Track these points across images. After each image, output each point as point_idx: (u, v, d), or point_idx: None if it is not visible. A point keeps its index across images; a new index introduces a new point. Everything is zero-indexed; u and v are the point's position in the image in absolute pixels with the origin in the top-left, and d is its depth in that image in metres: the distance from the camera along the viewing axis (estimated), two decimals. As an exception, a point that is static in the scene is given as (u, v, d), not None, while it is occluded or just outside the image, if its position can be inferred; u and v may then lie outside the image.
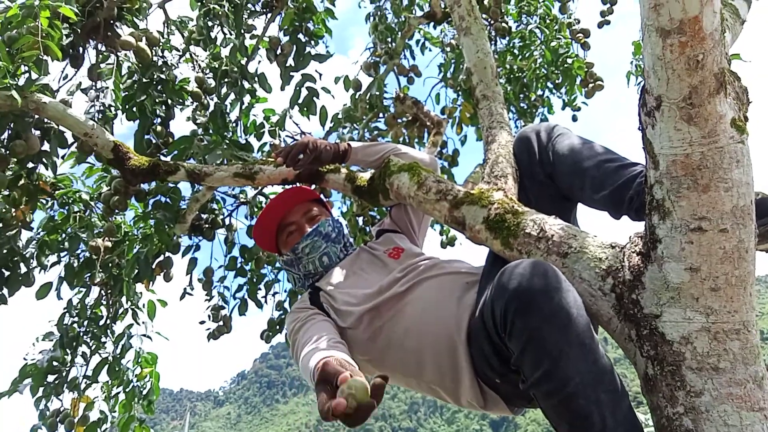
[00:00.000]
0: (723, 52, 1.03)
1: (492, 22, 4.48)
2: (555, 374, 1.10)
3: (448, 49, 4.85)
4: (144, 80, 2.70)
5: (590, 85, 4.50)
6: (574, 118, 5.08)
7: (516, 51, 4.62)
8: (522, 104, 4.78)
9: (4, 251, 2.69)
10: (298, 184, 2.08)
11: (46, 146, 2.47)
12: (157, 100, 2.78)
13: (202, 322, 3.33)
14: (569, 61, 4.29)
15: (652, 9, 1.02)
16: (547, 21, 4.58)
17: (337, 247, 1.90)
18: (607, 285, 1.29)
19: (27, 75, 2.17)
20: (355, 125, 4.20)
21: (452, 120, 4.61)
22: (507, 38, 4.62)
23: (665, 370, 1.10)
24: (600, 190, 1.58)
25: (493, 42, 4.54)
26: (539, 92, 4.82)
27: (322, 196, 2.29)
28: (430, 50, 5.06)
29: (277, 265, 3.34)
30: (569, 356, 1.10)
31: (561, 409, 1.11)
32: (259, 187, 3.04)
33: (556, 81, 4.55)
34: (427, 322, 1.55)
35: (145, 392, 3.03)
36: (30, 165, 2.55)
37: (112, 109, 2.65)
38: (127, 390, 3.00)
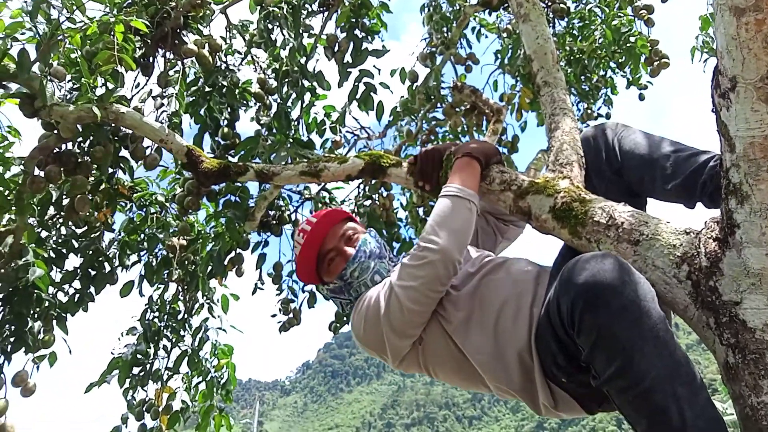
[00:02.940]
0: (803, 29, 0.99)
1: (549, 4, 4.39)
2: (629, 370, 1.09)
3: (504, 34, 4.77)
4: (207, 87, 2.82)
5: (655, 63, 4.33)
6: (641, 97, 4.91)
7: (575, 32, 4.50)
8: (583, 86, 4.66)
9: (90, 252, 2.88)
10: (330, 207, 2.05)
11: (124, 152, 2.62)
12: (221, 104, 2.88)
13: (273, 316, 3.45)
14: (632, 39, 4.15)
15: (724, -12, 0.99)
16: (607, -1, 4.45)
17: (384, 261, 1.79)
18: (683, 272, 1.27)
19: (104, 87, 2.30)
20: (413, 117, 4.21)
21: (511, 106, 4.55)
22: (566, 19, 4.51)
23: (747, 359, 1.07)
24: (672, 180, 1.54)
25: (551, 24, 4.44)
26: (601, 73, 4.69)
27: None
28: (486, 37, 4.98)
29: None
30: (643, 351, 1.09)
31: (638, 404, 1.10)
32: (324, 183, 3.12)
33: (619, 60, 4.41)
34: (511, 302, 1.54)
35: (222, 382, 3.18)
36: (110, 170, 2.70)
37: (178, 114, 2.77)
38: (206, 380, 3.16)
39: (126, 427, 3.04)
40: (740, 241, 1.16)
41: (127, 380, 3.11)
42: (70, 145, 2.47)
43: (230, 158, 2.82)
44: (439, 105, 4.23)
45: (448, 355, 1.56)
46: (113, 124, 2.44)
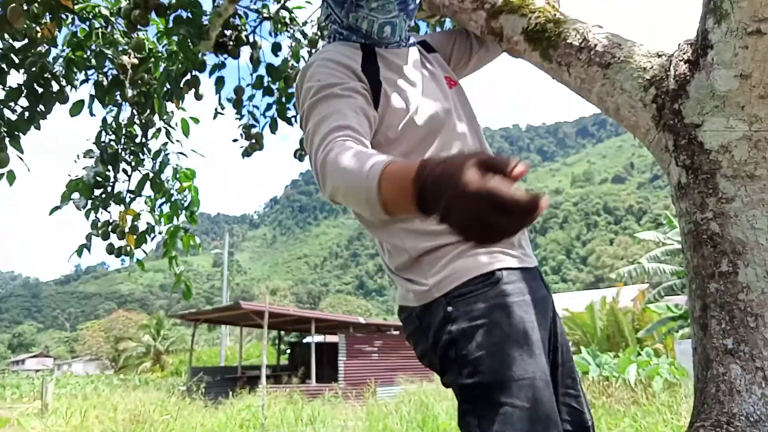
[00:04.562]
0: None
1: None
2: None
3: None
4: None
5: None
6: None
7: None
8: None
9: (34, 69, 2.69)
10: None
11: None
12: None
13: (235, 140, 3.39)
14: None
15: None
16: None
17: (405, 23, 1.39)
18: (649, 96, 1.25)
19: None
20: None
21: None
22: None
23: (699, 179, 1.10)
24: None
25: None
26: None
27: None
28: None
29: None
30: None
31: None
32: (282, 0, 2.89)
33: None
34: None
35: (186, 204, 3.20)
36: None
37: None
38: (169, 202, 3.17)
39: (91, 245, 3.09)
40: (711, 62, 1.13)
41: (89, 202, 3.10)
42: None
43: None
44: None
45: None
46: None
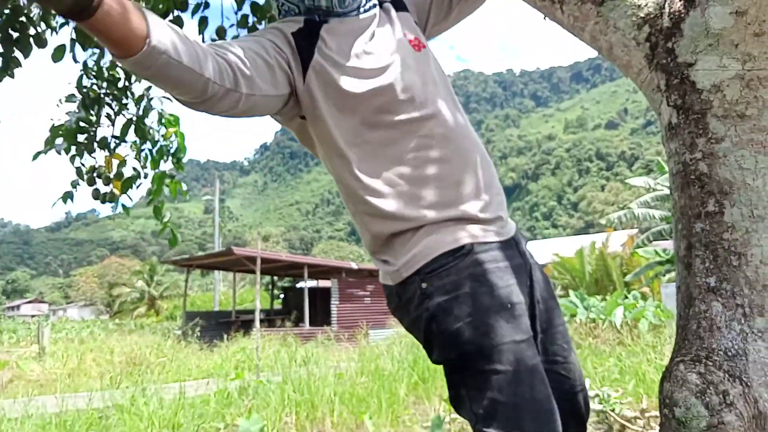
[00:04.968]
0: None
1: None
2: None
3: None
4: None
5: None
6: None
7: None
8: None
9: (8, 11, 2.58)
10: None
11: None
12: None
13: (220, 84, 3.30)
14: None
15: None
16: None
17: None
18: (643, 34, 1.22)
19: None
20: None
21: None
22: None
23: (690, 118, 1.08)
24: None
25: None
26: None
27: None
28: None
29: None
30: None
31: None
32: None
33: None
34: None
35: (173, 150, 3.15)
36: None
37: None
38: (155, 148, 3.12)
39: (76, 191, 3.06)
40: (707, -1, 1.10)
41: (73, 147, 3.04)
42: None
43: None
44: None
45: None
46: None
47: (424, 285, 1.17)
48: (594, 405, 3.28)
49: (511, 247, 1.25)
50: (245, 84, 1.13)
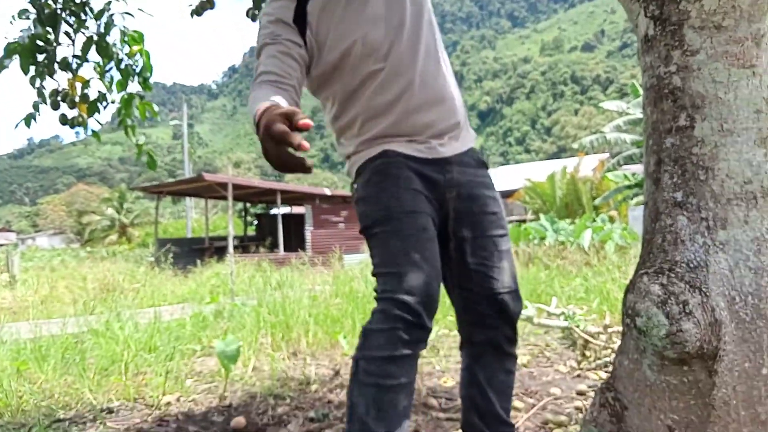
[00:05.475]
0: None
1: None
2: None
3: None
4: None
5: None
6: None
7: None
8: None
9: None
10: None
11: None
12: None
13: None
14: None
15: None
16: None
17: None
18: (624, -58, 1.18)
19: None
20: None
21: None
22: None
23: (666, 30, 1.07)
24: None
25: None
26: None
27: None
28: None
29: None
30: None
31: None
32: None
33: None
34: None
35: (138, 70, 3.02)
36: None
37: None
38: (119, 68, 2.98)
39: (39, 114, 2.93)
40: None
41: (32, 68, 2.89)
42: None
43: None
44: None
45: None
46: None
47: (355, 185, 1.54)
48: (559, 322, 3.43)
49: (438, 164, 1.48)
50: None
